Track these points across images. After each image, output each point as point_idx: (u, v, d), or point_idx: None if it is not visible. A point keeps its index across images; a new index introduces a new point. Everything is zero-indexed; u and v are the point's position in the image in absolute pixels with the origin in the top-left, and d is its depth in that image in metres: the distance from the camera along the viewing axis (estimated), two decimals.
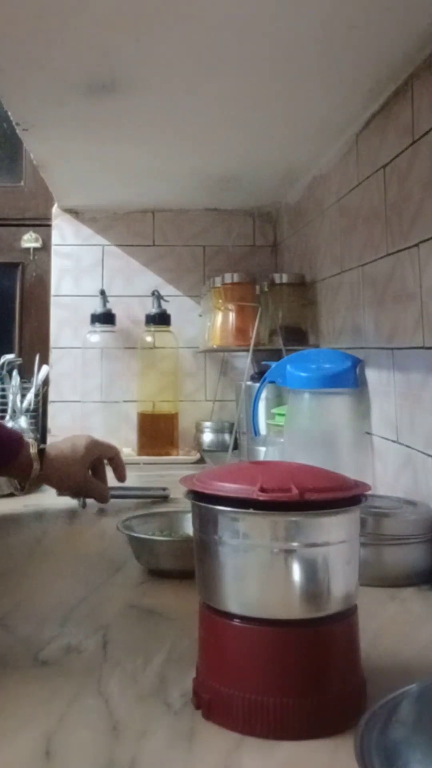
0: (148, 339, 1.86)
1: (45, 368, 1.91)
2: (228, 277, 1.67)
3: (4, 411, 1.89)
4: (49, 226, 1.98)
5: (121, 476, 1.27)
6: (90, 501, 1.24)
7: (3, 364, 1.90)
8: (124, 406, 1.86)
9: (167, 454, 1.80)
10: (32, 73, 1.05)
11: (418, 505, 0.92)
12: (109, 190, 1.77)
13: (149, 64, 1.02)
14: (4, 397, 1.90)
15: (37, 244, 2.08)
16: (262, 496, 0.52)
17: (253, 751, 0.50)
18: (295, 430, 1.25)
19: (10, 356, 1.92)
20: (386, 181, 1.11)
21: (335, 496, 0.55)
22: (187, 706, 0.56)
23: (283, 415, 1.33)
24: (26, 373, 1.93)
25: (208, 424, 1.87)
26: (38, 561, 0.97)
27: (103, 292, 1.90)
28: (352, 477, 0.58)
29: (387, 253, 1.11)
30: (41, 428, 1.92)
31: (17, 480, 1.20)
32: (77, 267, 1.95)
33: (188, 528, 0.95)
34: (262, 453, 1.43)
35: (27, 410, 1.88)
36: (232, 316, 1.65)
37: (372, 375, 1.19)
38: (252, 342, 1.58)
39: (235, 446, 1.65)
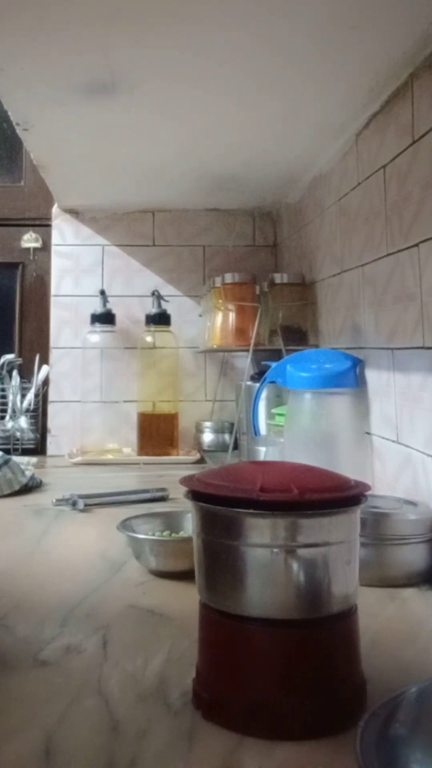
0: (148, 339, 1.86)
1: (45, 368, 1.91)
2: (228, 277, 1.67)
3: (4, 411, 1.89)
4: (49, 226, 1.98)
5: None
6: (88, 501, 1.24)
7: (3, 364, 1.91)
8: (124, 406, 1.86)
9: (167, 454, 1.80)
10: (32, 73, 1.05)
11: (418, 505, 0.92)
12: (109, 190, 1.77)
13: (149, 64, 1.02)
14: (4, 397, 1.91)
15: (37, 244, 2.08)
16: (263, 496, 0.52)
17: (253, 751, 0.50)
18: (295, 430, 1.25)
19: (10, 356, 1.93)
20: (386, 181, 1.11)
21: (335, 496, 0.54)
22: (187, 706, 0.56)
23: (283, 415, 1.33)
24: (26, 373, 1.94)
25: (208, 424, 1.87)
26: (38, 561, 0.97)
27: (103, 292, 1.90)
28: (352, 477, 0.58)
29: (387, 253, 1.11)
30: (41, 428, 1.92)
31: None
32: (77, 267, 1.95)
33: (188, 528, 0.95)
34: (262, 453, 1.43)
35: (27, 410, 1.88)
36: (232, 316, 1.65)
37: (372, 375, 1.19)
38: (252, 342, 1.58)
39: (235, 446, 1.65)
